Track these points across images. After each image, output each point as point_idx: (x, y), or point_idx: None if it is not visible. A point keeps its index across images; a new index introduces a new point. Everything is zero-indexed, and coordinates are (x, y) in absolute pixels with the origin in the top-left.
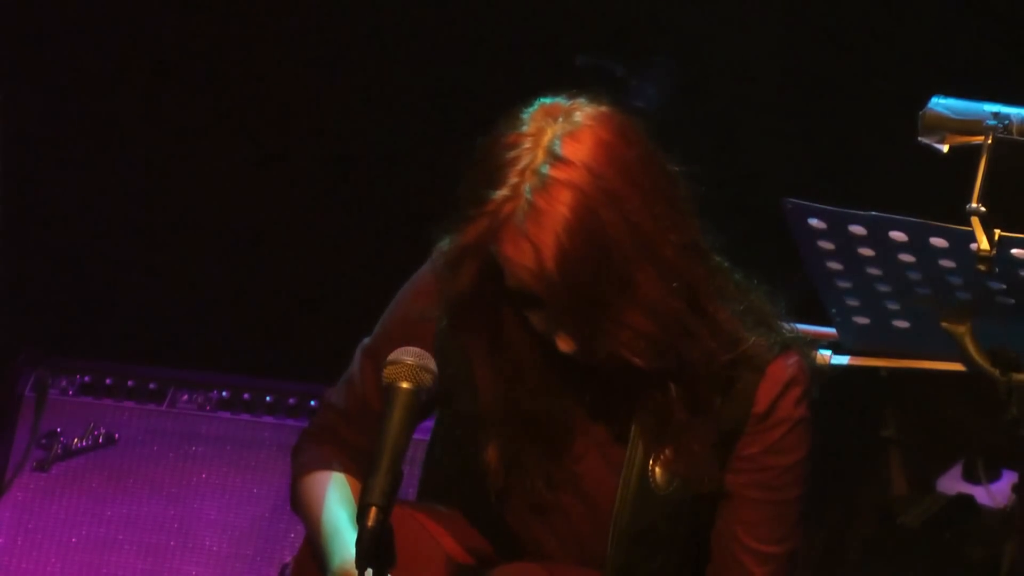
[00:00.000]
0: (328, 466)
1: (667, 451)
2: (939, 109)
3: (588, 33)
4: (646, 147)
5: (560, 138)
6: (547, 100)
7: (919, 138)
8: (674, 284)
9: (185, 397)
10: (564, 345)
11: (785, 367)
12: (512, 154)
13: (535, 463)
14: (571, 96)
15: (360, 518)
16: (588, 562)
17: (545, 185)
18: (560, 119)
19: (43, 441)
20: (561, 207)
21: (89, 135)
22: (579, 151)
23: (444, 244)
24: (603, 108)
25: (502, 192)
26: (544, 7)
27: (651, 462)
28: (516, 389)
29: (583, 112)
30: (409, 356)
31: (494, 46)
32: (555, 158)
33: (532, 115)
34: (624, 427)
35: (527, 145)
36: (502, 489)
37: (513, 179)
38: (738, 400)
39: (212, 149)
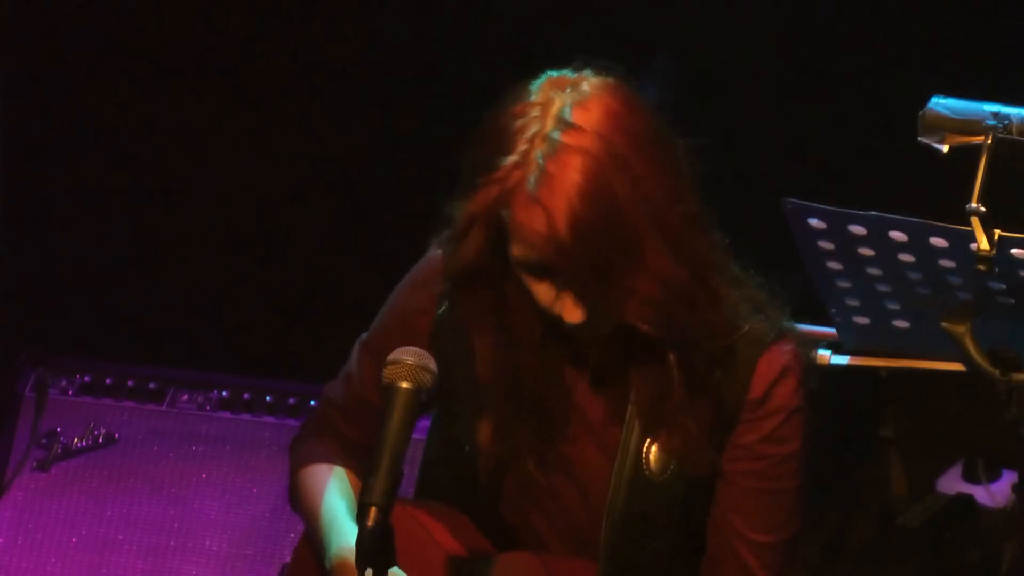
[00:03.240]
0: (326, 460)
1: (663, 433)
2: (939, 109)
3: (588, 33)
4: (652, 118)
5: (569, 106)
6: (554, 72)
7: (919, 138)
8: (679, 253)
9: (185, 397)
10: (571, 315)
11: (781, 354)
12: (521, 122)
13: (527, 442)
14: (577, 68)
15: (360, 518)
16: (582, 548)
17: (556, 151)
18: (568, 89)
19: (43, 441)
20: (573, 172)
21: (90, 135)
22: (589, 118)
23: (440, 241)
24: (609, 79)
25: (512, 158)
26: (544, 7)
27: (645, 448)
28: (515, 365)
29: (590, 83)
30: (409, 356)
31: (494, 46)
32: (566, 124)
33: (540, 86)
34: (620, 411)
35: (536, 114)
36: (494, 472)
37: (523, 146)
38: (734, 384)
39: (212, 149)
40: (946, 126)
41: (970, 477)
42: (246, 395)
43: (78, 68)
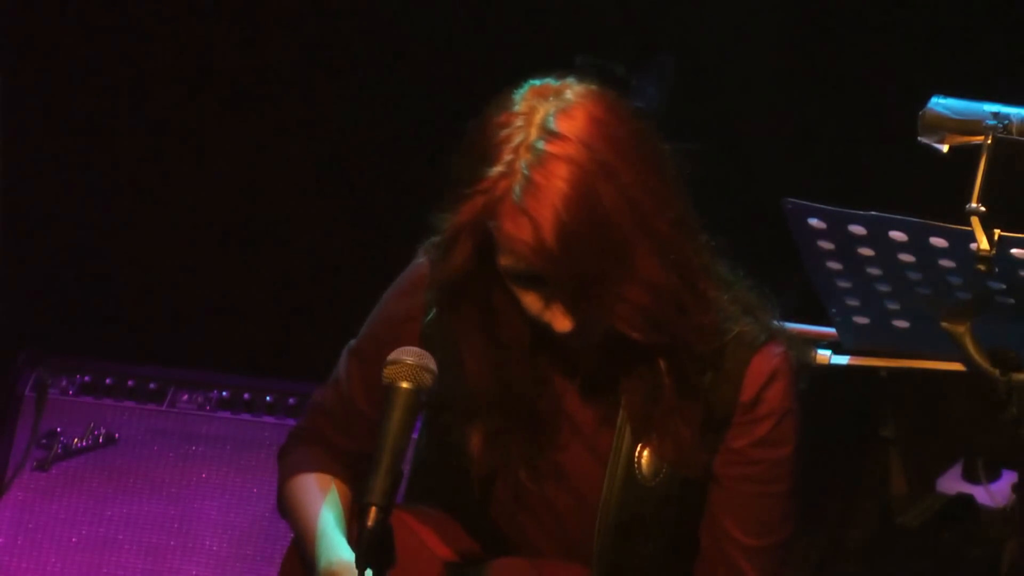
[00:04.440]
0: (315, 469)
1: (655, 437)
2: (939, 109)
3: (588, 33)
4: (636, 124)
5: (553, 115)
6: (536, 81)
7: (919, 138)
8: (668, 259)
9: (185, 397)
10: (560, 324)
11: (771, 356)
12: (505, 132)
13: (519, 451)
14: (560, 76)
15: (360, 518)
16: (574, 554)
17: (541, 160)
18: (551, 98)
19: (43, 441)
20: (558, 181)
21: (89, 135)
22: (573, 127)
23: (428, 245)
24: (592, 87)
25: (497, 169)
26: (544, 7)
27: (637, 453)
28: (504, 374)
29: (573, 91)
30: (409, 356)
31: (494, 46)
32: (549, 134)
33: (523, 95)
34: (611, 417)
35: (519, 123)
36: (485, 479)
37: (508, 156)
38: (725, 388)
39: (212, 149)
40: (946, 126)
41: (970, 477)
42: (246, 395)
43: (78, 68)
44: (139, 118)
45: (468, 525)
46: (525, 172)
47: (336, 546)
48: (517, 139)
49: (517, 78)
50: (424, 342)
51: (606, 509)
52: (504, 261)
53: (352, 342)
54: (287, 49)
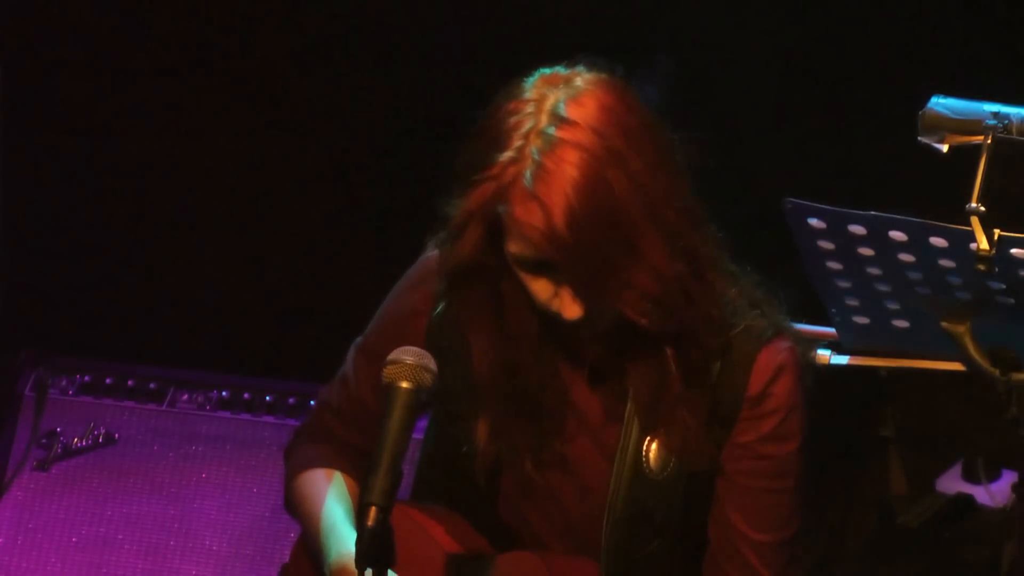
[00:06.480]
0: (323, 464)
1: (662, 430)
2: (939, 109)
3: (588, 33)
4: (645, 113)
5: (563, 102)
6: (547, 70)
7: (919, 138)
8: (676, 246)
9: (185, 397)
10: (569, 311)
11: (779, 351)
12: (515, 119)
13: (524, 442)
14: (569, 65)
15: (360, 518)
16: (581, 547)
17: (552, 146)
18: (561, 85)
19: (43, 441)
20: (569, 167)
21: (90, 134)
22: (583, 114)
23: (434, 243)
24: (602, 75)
25: (508, 155)
26: (544, 7)
27: (645, 447)
28: (512, 364)
29: (583, 78)
30: (409, 356)
31: (494, 46)
32: (560, 120)
33: (533, 83)
34: (618, 410)
35: (530, 110)
36: (491, 471)
37: (518, 142)
38: (732, 381)
39: (212, 149)
40: (946, 126)
41: (970, 477)
42: (246, 395)
43: (78, 68)
44: (139, 118)
45: (475, 519)
46: (535, 158)
47: (346, 539)
48: (527, 125)
49: (517, 77)
50: (431, 335)
51: (614, 503)
52: (513, 247)
53: (359, 338)
54: (289, 47)
